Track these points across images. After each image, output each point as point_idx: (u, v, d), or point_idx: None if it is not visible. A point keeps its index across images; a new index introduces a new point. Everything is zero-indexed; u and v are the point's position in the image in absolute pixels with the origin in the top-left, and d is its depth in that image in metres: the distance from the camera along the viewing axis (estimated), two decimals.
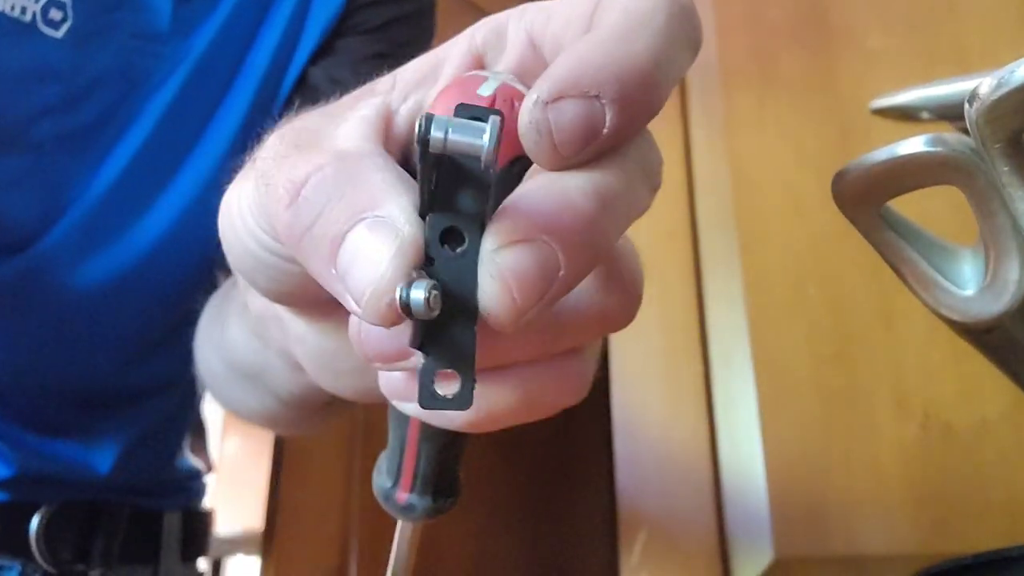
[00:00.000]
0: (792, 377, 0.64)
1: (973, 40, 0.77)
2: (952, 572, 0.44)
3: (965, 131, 0.32)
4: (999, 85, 0.29)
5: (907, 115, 0.44)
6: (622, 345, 0.72)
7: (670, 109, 0.81)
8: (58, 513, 0.61)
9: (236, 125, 0.59)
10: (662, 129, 0.81)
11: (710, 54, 0.78)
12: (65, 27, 0.54)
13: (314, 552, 0.75)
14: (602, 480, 1.07)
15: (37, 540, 0.60)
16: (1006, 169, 0.31)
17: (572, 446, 1.08)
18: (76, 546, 0.62)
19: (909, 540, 0.59)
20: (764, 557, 0.58)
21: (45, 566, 0.60)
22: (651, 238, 0.75)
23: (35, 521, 0.60)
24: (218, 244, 0.30)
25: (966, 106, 0.31)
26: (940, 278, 0.38)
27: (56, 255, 0.56)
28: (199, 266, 0.62)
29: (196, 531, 0.70)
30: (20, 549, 0.60)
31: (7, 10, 0.52)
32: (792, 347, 0.65)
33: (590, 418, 1.10)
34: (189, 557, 0.69)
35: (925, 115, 0.43)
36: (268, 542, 0.75)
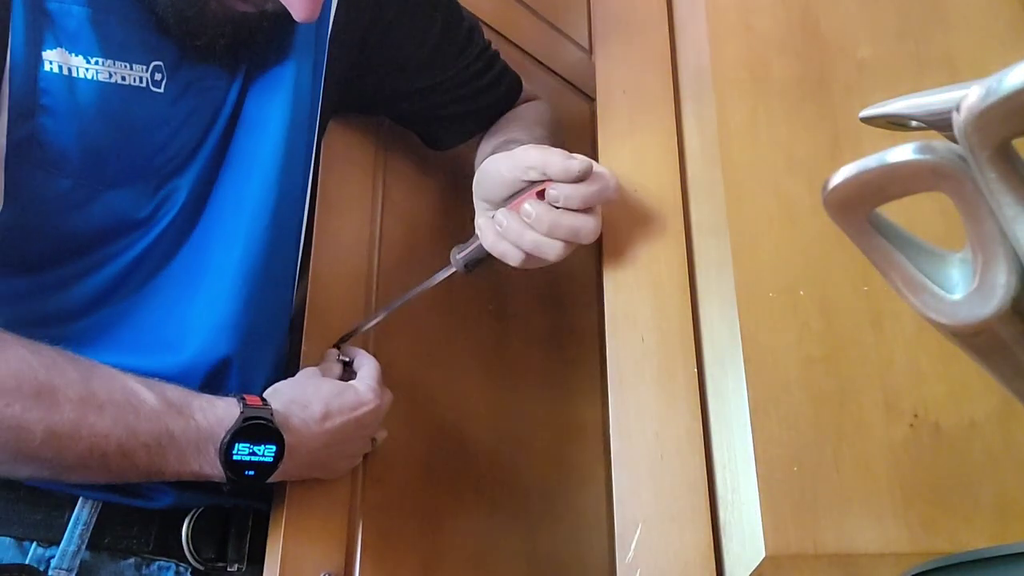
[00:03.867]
0: (783, 378, 0.64)
1: (963, 50, 0.79)
2: (942, 570, 0.45)
3: (954, 140, 0.33)
4: (987, 94, 0.30)
5: (897, 124, 0.45)
6: (619, 347, 0.72)
7: (664, 117, 0.82)
8: (201, 517, 0.76)
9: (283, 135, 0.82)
10: (657, 136, 0.82)
11: (703, 62, 0.79)
12: (163, 86, 0.75)
13: (320, 552, 0.75)
14: (599, 479, 1.08)
15: (187, 541, 0.75)
16: (994, 176, 0.32)
17: (570, 447, 1.09)
18: (216, 545, 0.77)
19: (899, 539, 0.59)
20: (756, 554, 0.59)
21: (194, 564, 0.76)
22: (646, 242, 0.76)
23: (185, 524, 0.75)
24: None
25: (954, 114, 0.31)
26: (929, 282, 0.39)
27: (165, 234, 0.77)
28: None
29: None
30: (175, 550, 0.75)
31: (132, 81, 0.72)
32: (783, 349, 0.65)
33: (588, 419, 1.10)
34: None
35: (915, 124, 0.44)
36: (274, 542, 0.75)
